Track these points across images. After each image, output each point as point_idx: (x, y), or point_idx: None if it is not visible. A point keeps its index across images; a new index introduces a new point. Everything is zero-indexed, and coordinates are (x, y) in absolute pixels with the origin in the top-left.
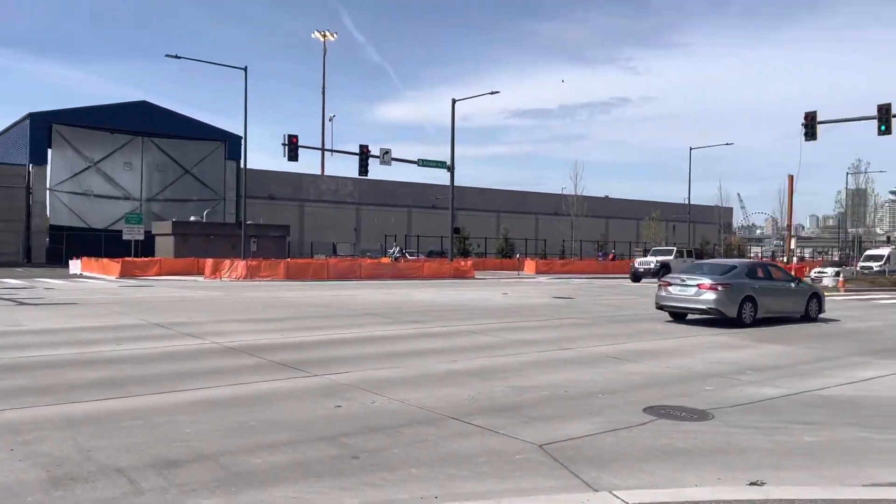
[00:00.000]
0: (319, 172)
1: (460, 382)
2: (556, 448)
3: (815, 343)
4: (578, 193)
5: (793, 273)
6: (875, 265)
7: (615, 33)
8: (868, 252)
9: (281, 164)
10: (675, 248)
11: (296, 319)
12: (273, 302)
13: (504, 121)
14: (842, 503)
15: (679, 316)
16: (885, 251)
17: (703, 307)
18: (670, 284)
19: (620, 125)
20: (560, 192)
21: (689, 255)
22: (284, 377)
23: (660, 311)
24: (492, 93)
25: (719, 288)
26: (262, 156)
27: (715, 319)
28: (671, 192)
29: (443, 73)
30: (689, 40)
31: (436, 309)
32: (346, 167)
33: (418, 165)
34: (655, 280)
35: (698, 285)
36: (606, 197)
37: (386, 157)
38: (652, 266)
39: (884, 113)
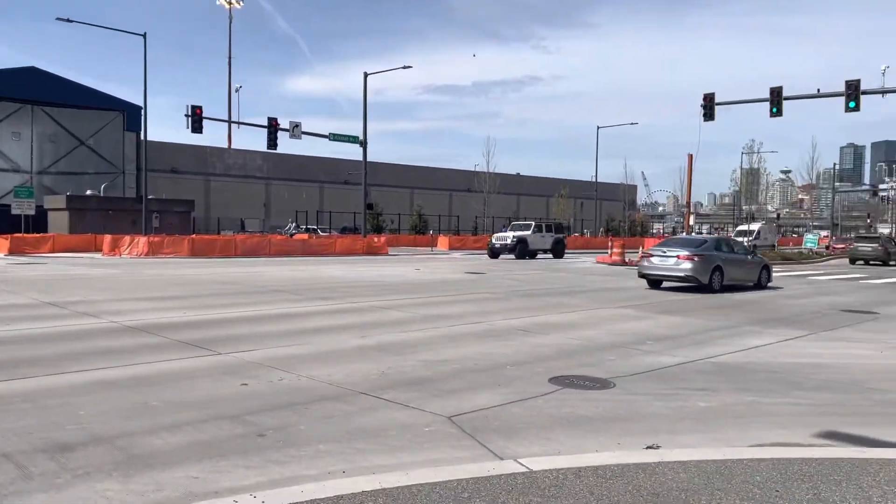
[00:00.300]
0: (226, 145)
1: (371, 358)
2: (465, 419)
3: (710, 314)
4: (491, 170)
5: None
6: (745, 241)
7: (528, 12)
8: (739, 228)
9: (185, 136)
10: (533, 223)
11: (200, 297)
12: (176, 279)
13: (418, 96)
14: (730, 463)
15: (656, 283)
16: (755, 226)
17: (682, 275)
18: (652, 256)
19: (532, 103)
20: (473, 169)
21: (549, 229)
22: (188, 356)
23: (642, 279)
24: (404, 67)
25: (695, 258)
26: (165, 128)
27: (688, 287)
28: (580, 170)
29: (355, 47)
30: (599, 21)
31: (347, 285)
32: (254, 140)
33: (329, 140)
34: (512, 256)
35: (677, 256)
36: (518, 174)
37: (296, 130)
38: (509, 241)
39: (775, 96)
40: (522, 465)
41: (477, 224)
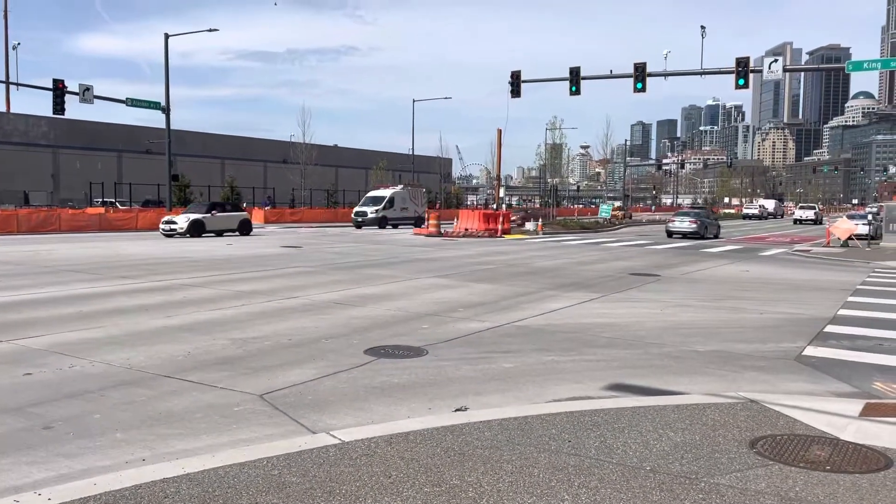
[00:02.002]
0: (4, 109)
1: (176, 338)
2: (278, 396)
3: (516, 281)
4: (308, 141)
5: (500, 218)
6: (371, 211)
7: None
8: (369, 194)
9: None
10: None
11: None
12: None
13: (229, 62)
14: (530, 419)
15: (671, 234)
16: (386, 192)
17: (690, 231)
18: (675, 220)
19: (350, 74)
20: (289, 140)
21: None
22: None
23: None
24: (210, 30)
25: (697, 222)
26: None
27: (694, 236)
28: (398, 143)
29: (156, 4)
30: None
31: (151, 262)
32: (39, 104)
33: (127, 105)
34: None
35: (689, 221)
36: (336, 146)
37: (87, 94)
38: None
39: (574, 75)
40: (335, 437)
41: (294, 196)
